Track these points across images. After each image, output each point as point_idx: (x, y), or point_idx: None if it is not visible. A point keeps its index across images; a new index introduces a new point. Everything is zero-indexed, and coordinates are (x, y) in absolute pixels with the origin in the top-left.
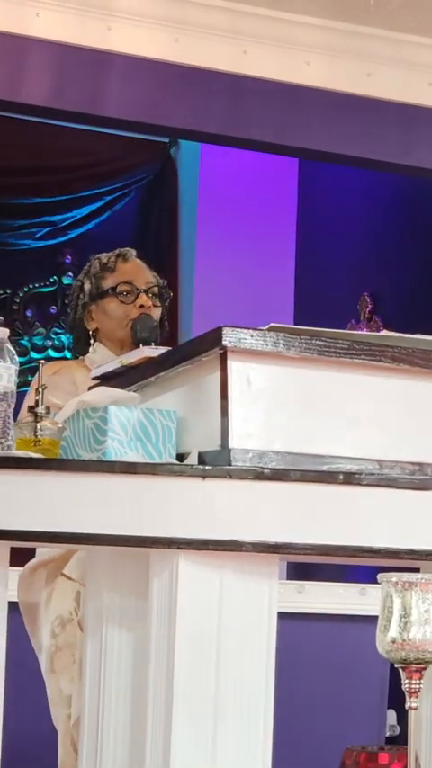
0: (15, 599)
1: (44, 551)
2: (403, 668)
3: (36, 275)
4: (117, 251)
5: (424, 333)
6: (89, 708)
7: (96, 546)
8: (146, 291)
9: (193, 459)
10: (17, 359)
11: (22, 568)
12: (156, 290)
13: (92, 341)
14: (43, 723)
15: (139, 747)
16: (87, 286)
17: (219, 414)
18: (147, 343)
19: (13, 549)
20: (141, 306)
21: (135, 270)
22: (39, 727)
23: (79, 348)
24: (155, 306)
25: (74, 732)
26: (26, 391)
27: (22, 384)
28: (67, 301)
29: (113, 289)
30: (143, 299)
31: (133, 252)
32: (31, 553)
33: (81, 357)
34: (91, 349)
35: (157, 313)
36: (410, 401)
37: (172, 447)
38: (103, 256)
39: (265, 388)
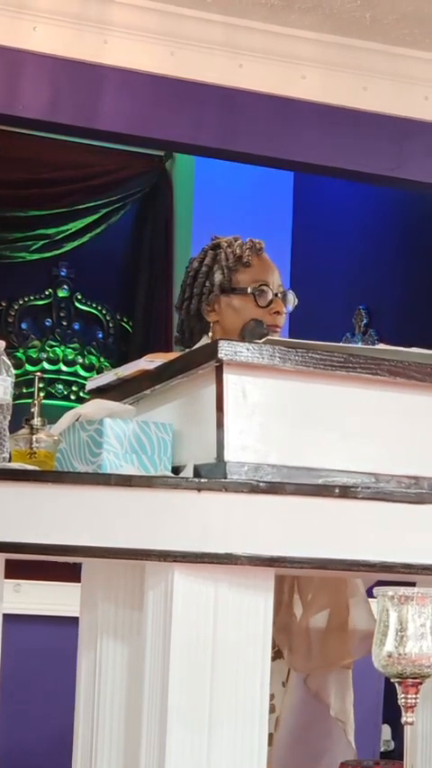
0: (12, 611)
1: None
2: (399, 683)
3: (31, 288)
4: (249, 242)
5: (420, 346)
6: (83, 719)
7: (92, 558)
8: (282, 296)
9: (188, 472)
10: (13, 371)
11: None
12: (284, 293)
13: (210, 333)
14: (38, 734)
15: (133, 759)
16: (218, 277)
17: (214, 427)
18: None
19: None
20: (277, 312)
21: (269, 269)
22: (35, 738)
23: (189, 339)
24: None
25: None
26: (22, 403)
27: (18, 396)
28: (62, 314)
29: (250, 288)
30: (279, 305)
31: (262, 243)
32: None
33: (187, 349)
34: (204, 341)
35: (284, 319)
36: (406, 415)
37: (167, 460)
38: (236, 245)
39: (261, 402)
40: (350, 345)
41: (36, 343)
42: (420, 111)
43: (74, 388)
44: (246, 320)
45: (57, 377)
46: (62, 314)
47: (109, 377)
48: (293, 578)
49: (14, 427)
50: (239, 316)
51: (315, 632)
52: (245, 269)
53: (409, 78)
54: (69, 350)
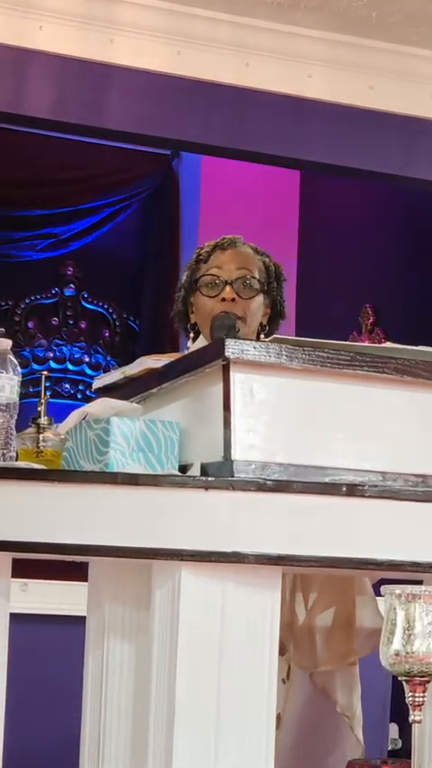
0: (19, 611)
1: None
2: (407, 681)
3: (38, 287)
4: (221, 238)
5: (426, 344)
6: (90, 718)
7: (98, 557)
8: (232, 283)
9: (195, 471)
10: (19, 370)
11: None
12: (250, 280)
13: (192, 334)
14: (45, 733)
15: (140, 758)
16: (184, 277)
17: (221, 425)
18: None
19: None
20: (223, 299)
21: (228, 260)
22: (40, 740)
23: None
24: (244, 298)
25: None
26: (28, 402)
27: (24, 395)
28: (69, 313)
29: (197, 281)
30: (227, 291)
31: (238, 240)
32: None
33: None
34: (190, 343)
35: (247, 306)
36: (413, 413)
37: (174, 458)
38: (206, 245)
39: (268, 400)
40: (357, 344)
41: (42, 342)
42: (427, 110)
43: (80, 387)
44: (203, 315)
45: (63, 376)
46: (69, 313)
47: (116, 375)
48: (294, 576)
49: (21, 426)
50: (200, 311)
51: (320, 630)
52: (203, 265)
53: (415, 77)
54: (76, 349)
